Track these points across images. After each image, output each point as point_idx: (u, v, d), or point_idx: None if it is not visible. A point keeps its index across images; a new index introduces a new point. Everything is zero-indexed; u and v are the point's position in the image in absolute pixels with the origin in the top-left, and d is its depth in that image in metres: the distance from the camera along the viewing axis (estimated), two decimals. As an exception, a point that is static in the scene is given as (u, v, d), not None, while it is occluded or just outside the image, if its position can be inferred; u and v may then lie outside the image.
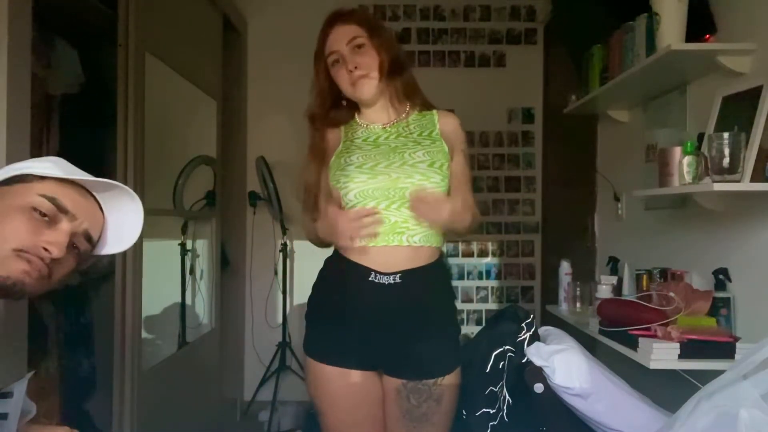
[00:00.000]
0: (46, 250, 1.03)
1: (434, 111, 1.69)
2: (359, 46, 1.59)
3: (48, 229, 1.04)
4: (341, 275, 1.58)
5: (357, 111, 1.69)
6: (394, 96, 1.65)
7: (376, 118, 1.66)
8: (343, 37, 1.59)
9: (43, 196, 1.04)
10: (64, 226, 1.06)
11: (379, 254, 1.53)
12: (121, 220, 1.15)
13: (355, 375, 1.55)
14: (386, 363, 1.58)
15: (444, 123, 1.66)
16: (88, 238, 1.11)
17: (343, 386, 1.56)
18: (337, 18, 1.62)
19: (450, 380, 1.59)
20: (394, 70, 1.63)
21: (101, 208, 1.14)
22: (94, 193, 1.13)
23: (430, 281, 1.57)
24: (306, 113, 1.68)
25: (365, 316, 1.54)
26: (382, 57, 1.60)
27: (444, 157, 1.58)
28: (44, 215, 1.04)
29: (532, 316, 1.76)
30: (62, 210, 1.06)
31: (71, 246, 1.08)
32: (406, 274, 1.53)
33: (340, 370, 1.55)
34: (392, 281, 1.52)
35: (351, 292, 1.55)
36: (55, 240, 1.04)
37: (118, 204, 1.14)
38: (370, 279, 1.53)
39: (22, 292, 1.04)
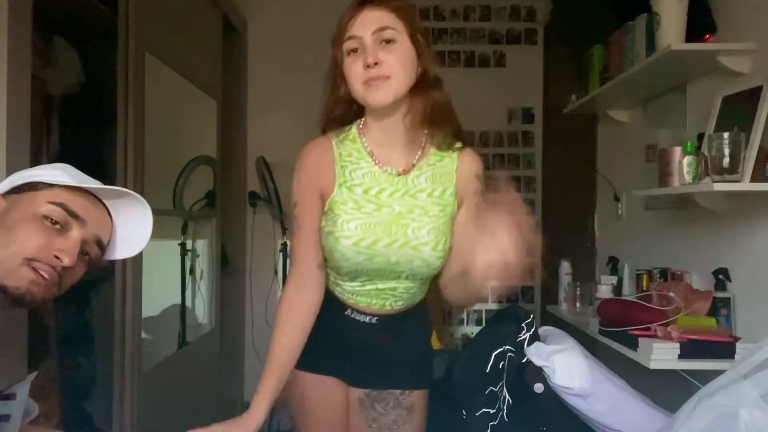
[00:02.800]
0: (57, 258, 1.03)
1: (455, 153, 1.38)
2: (388, 41, 1.27)
3: (59, 237, 1.05)
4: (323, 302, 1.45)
5: (361, 125, 1.40)
6: (417, 118, 1.32)
7: (382, 153, 1.36)
8: (371, 22, 1.27)
9: (53, 203, 1.05)
10: (75, 233, 1.06)
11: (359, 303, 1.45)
12: (130, 225, 1.16)
13: (318, 378, 1.48)
14: (349, 373, 1.49)
15: (462, 171, 1.38)
16: (99, 244, 1.11)
17: (308, 389, 1.49)
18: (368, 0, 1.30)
19: (420, 395, 1.50)
20: (425, 83, 1.32)
21: (110, 214, 1.14)
22: (103, 200, 1.13)
23: (406, 322, 1.48)
24: (320, 123, 1.41)
25: (335, 338, 1.46)
26: (415, 60, 1.30)
27: (452, 227, 1.37)
28: (55, 223, 1.04)
29: (532, 316, 1.76)
30: (73, 216, 1.06)
31: (82, 253, 1.08)
32: (382, 317, 1.45)
33: (305, 374, 1.47)
34: (367, 321, 1.45)
35: (324, 317, 1.42)
36: (66, 248, 1.04)
37: (127, 210, 1.15)
38: (346, 314, 1.45)
39: (33, 301, 1.04)
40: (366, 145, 1.37)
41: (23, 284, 1.02)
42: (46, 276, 1.03)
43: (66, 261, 1.03)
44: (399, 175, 1.36)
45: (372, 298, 1.42)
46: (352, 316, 1.45)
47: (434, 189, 1.36)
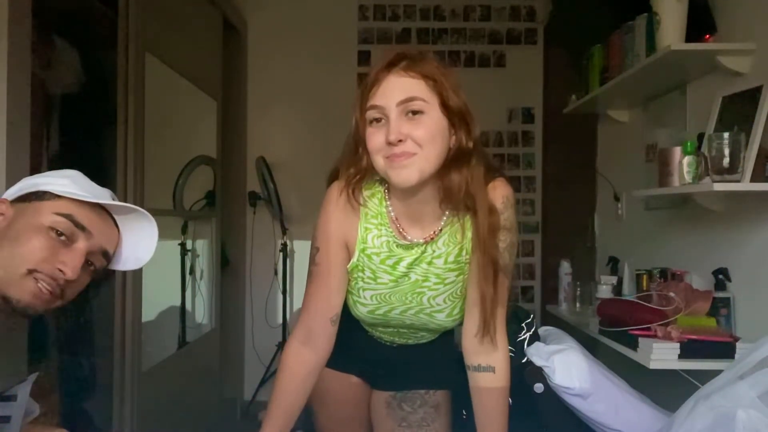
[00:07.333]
0: (60, 270, 1.03)
1: (468, 214, 1.23)
2: (415, 113, 1.12)
3: (64, 248, 1.04)
4: (346, 315, 1.39)
5: (387, 185, 1.26)
6: (447, 195, 1.19)
7: (406, 223, 1.26)
8: (397, 91, 1.13)
9: (60, 214, 1.04)
10: (81, 245, 1.06)
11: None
12: (136, 237, 1.16)
13: (341, 375, 1.49)
14: (372, 376, 1.53)
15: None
16: (105, 254, 1.11)
17: (331, 384, 1.48)
18: (397, 61, 1.15)
19: (444, 395, 1.52)
20: (460, 157, 1.17)
21: (117, 225, 1.14)
22: (110, 210, 1.13)
23: (428, 345, 1.49)
24: (333, 178, 1.29)
25: (358, 345, 1.47)
26: (446, 133, 1.15)
27: (465, 290, 1.31)
28: (61, 234, 1.04)
29: (532, 316, 1.76)
30: (79, 227, 1.05)
31: (87, 263, 1.08)
32: (403, 345, 1.48)
33: (328, 369, 1.41)
34: (388, 344, 1.47)
35: (347, 325, 1.38)
36: (69, 260, 1.03)
37: (133, 222, 1.15)
38: (369, 333, 1.47)
39: (34, 313, 1.05)
40: (391, 211, 1.26)
41: (25, 297, 1.02)
42: (48, 289, 1.02)
43: (69, 274, 1.03)
44: (421, 244, 1.26)
45: (393, 336, 1.46)
46: (375, 337, 1.47)
47: (450, 252, 1.27)
